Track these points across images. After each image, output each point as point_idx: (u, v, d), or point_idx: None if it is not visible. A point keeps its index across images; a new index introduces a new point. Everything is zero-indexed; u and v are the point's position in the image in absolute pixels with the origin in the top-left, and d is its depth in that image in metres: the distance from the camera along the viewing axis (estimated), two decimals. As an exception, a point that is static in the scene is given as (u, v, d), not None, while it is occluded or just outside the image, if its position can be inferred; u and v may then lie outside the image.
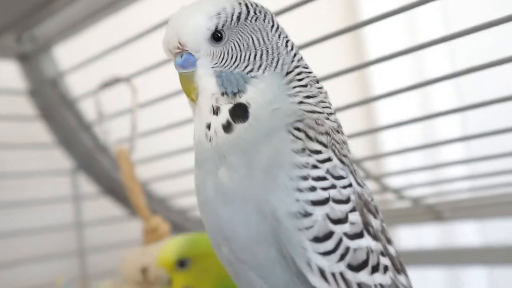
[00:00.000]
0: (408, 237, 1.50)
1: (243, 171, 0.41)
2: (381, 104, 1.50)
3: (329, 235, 0.40)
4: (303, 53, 0.53)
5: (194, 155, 0.46)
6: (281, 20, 0.48)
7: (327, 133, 0.43)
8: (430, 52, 1.45)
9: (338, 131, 0.45)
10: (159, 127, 0.84)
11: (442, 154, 1.42)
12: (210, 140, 0.43)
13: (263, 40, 0.44)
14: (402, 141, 1.43)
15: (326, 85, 0.65)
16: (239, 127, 0.42)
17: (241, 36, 0.44)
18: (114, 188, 0.96)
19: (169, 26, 0.44)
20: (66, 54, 0.91)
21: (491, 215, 1.00)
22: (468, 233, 1.44)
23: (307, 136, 0.41)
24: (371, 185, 0.79)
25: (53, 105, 0.91)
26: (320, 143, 0.41)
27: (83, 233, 0.96)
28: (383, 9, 0.60)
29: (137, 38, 0.76)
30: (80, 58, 0.85)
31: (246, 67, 0.43)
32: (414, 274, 1.28)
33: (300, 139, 0.41)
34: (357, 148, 0.83)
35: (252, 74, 0.43)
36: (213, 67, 0.43)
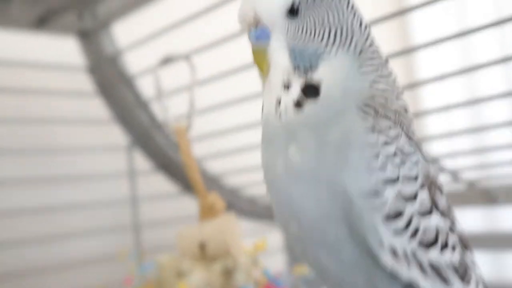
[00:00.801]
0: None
1: (313, 149, 0.41)
2: (427, 88, 1.48)
3: (400, 213, 0.39)
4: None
5: (261, 132, 0.46)
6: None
7: (396, 111, 0.42)
8: (479, 37, 1.42)
9: (406, 110, 0.44)
10: (216, 105, 0.84)
11: (489, 138, 1.40)
12: (280, 116, 0.43)
13: (338, 18, 0.44)
14: (449, 124, 1.42)
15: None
16: (310, 105, 0.42)
17: (317, 12, 0.43)
18: (168, 164, 0.97)
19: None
20: (125, 32, 0.92)
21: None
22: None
23: (377, 113, 0.41)
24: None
25: (111, 81, 0.92)
26: (390, 120, 0.41)
27: (137, 208, 0.98)
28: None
29: (195, 17, 0.76)
30: (139, 35, 0.86)
31: (320, 43, 0.43)
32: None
33: (370, 115, 0.41)
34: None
35: (326, 50, 0.43)
36: (287, 41, 0.43)
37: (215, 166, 1.00)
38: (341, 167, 0.40)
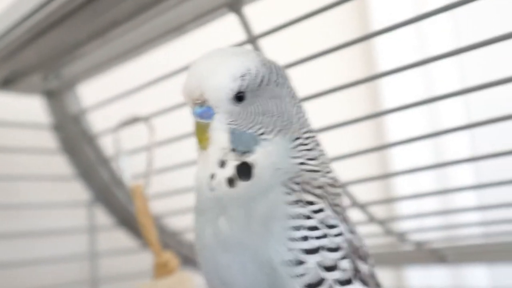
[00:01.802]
0: (416, 278, 1.51)
1: (241, 222, 0.43)
2: (396, 151, 1.53)
3: (320, 282, 0.42)
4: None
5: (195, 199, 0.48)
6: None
7: (320, 187, 0.46)
8: (446, 102, 1.48)
9: (332, 185, 0.48)
10: (174, 165, 0.87)
11: (454, 200, 1.44)
12: (212, 190, 0.45)
13: (280, 106, 0.46)
14: (416, 187, 1.46)
15: (340, 131, 0.68)
16: (241, 184, 0.44)
17: (260, 100, 0.46)
18: (128, 220, 0.99)
19: (192, 74, 0.46)
20: (89, 92, 0.96)
21: (499, 259, 1.02)
22: (477, 277, 1.45)
23: (302, 189, 0.44)
24: (376, 228, 0.83)
25: (75, 139, 0.95)
26: (314, 195, 0.45)
27: (97, 263, 0.99)
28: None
29: (157, 81, 0.80)
30: (103, 96, 0.89)
31: (259, 129, 0.45)
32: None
33: (295, 191, 0.44)
34: (369, 192, 0.87)
35: (264, 137, 0.45)
36: (228, 124, 0.45)
37: (175, 222, 1.02)
38: (266, 238, 0.43)
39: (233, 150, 0.45)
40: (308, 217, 0.43)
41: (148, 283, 0.77)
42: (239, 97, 0.45)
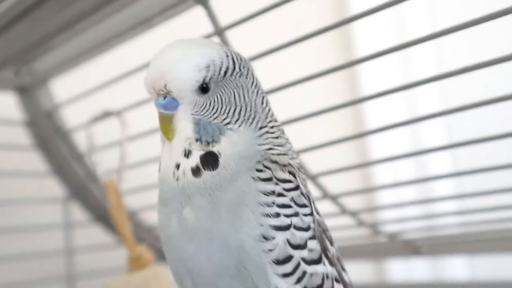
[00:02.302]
0: (397, 270, 1.52)
1: (208, 210, 0.44)
2: (374, 140, 1.54)
3: (288, 258, 0.43)
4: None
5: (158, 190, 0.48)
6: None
7: (291, 165, 0.46)
8: (423, 90, 1.49)
9: (300, 169, 0.48)
10: (147, 159, 0.87)
11: (432, 189, 1.45)
12: (177, 179, 0.45)
13: (244, 97, 0.47)
14: (394, 176, 1.47)
15: (318, 120, 0.69)
16: (207, 173, 0.44)
17: (224, 90, 0.46)
18: (104, 216, 0.99)
19: (155, 65, 0.45)
20: (62, 88, 0.96)
21: (477, 250, 1.03)
22: (457, 268, 1.47)
23: (274, 167, 0.45)
24: (348, 220, 0.83)
25: (48, 135, 0.95)
26: (288, 172, 0.45)
27: (73, 259, 0.99)
28: (377, 47, 0.62)
29: (129, 75, 0.80)
30: (76, 91, 0.89)
31: (224, 119, 0.46)
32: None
33: (268, 168, 0.44)
34: (347, 181, 0.87)
35: (229, 127, 0.45)
36: (193, 114, 0.45)
37: (151, 217, 1.02)
38: (234, 222, 0.43)
39: (198, 140, 0.45)
40: (281, 194, 0.44)
41: (122, 277, 0.77)
42: (203, 88, 0.45)
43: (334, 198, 0.76)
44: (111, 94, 0.89)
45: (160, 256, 0.95)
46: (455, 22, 0.55)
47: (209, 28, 0.67)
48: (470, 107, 0.59)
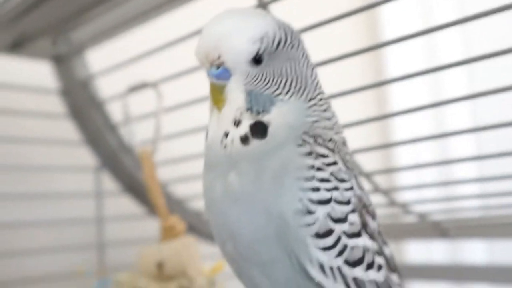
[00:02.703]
0: (417, 252, 1.52)
1: (252, 176, 0.44)
2: (398, 121, 1.54)
3: (329, 232, 0.43)
4: (324, 69, 0.56)
5: (204, 156, 0.49)
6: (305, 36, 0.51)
7: (334, 141, 0.47)
8: (449, 74, 1.48)
9: (343, 144, 0.49)
10: (182, 131, 0.88)
11: (455, 172, 1.45)
12: (225, 147, 0.46)
13: (295, 69, 0.47)
14: (416, 157, 1.47)
15: (343, 100, 0.69)
16: (255, 142, 0.45)
17: (277, 62, 0.46)
18: (134, 187, 1.00)
19: (208, 35, 0.46)
20: (98, 58, 0.96)
21: (499, 235, 1.03)
22: (475, 251, 1.47)
23: (316, 141, 0.45)
24: (379, 198, 0.83)
25: (82, 105, 0.96)
26: (327, 148, 0.46)
27: (103, 228, 1.01)
28: (404, 31, 0.62)
29: (166, 47, 0.80)
30: (111, 62, 0.90)
31: (275, 91, 0.46)
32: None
33: (308, 143, 0.45)
34: (370, 162, 0.87)
35: (279, 98, 0.46)
36: (245, 85, 0.46)
37: (181, 190, 1.03)
38: (276, 190, 0.44)
39: (249, 110, 0.46)
40: (320, 169, 0.44)
41: (155, 246, 0.78)
42: (257, 60, 0.46)
43: (368, 176, 0.76)
44: (146, 67, 0.90)
45: (190, 228, 0.96)
46: (482, 8, 0.55)
47: (252, 0, 0.67)
48: (496, 91, 0.59)
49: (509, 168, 0.76)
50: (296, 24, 0.68)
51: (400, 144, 1.05)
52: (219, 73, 0.46)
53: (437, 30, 0.58)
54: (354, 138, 0.83)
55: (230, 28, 0.45)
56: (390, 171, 1.05)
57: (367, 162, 0.83)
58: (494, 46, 0.58)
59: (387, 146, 1.15)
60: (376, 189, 0.79)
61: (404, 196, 1.12)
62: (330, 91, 0.70)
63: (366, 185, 0.79)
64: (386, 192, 0.80)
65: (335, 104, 0.71)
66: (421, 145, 1.43)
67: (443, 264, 1.37)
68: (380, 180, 0.85)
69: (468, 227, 0.97)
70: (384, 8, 1.56)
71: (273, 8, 0.67)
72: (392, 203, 0.83)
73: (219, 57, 0.45)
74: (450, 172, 1.47)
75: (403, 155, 1.53)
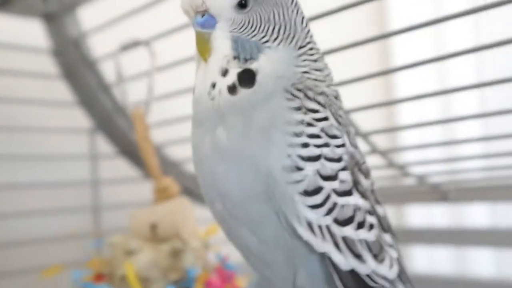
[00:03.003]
0: (418, 215, 1.52)
1: (240, 130, 0.43)
2: (401, 79, 1.51)
3: (318, 190, 0.42)
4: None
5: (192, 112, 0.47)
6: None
7: (325, 94, 0.45)
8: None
9: (336, 97, 0.47)
10: (176, 91, 0.86)
11: (458, 132, 1.43)
12: (212, 99, 0.44)
13: (283, 15, 0.45)
14: (419, 117, 1.45)
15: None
16: (243, 91, 0.43)
17: (263, 7, 0.45)
18: (129, 149, 0.99)
19: None
20: (89, 16, 0.94)
21: (502, 198, 1.01)
22: (477, 215, 1.46)
23: (306, 95, 0.43)
24: (377, 159, 0.82)
25: (75, 65, 0.94)
26: (318, 103, 0.44)
27: (98, 191, 1.00)
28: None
29: (157, 3, 0.78)
30: (103, 20, 0.87)
31: (263, 37, 0.45)
32: (423, 252, 1.28)
33: (297, 97, 0.43)
34: (373, 121, 0.85)
35: (267, 45, 0.44)
36: (231, 32, 0.44)
37: (176, 152, 1.02)
38: (265, 146, 0.42)
39: (236, 58, 0.44)
40: (310, 124, 0.42)
41: (148, 208, 0.77)
42: (242, 4, 0.44)
43: (365, 136, 0.74)
44: (140, 24, 0.87)
45: (185, 191, 0.95)
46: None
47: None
48: (502, 43, 0.57)
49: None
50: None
51: (401, 102, 1.03)
52: (204, 20, 0.44)
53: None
54: (356, 96, 0.82)
55: None
56: (388, 130, 1.03)
57: (368, 122, 0.81)
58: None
59: (388, 103, 1.13)
60: (374, 149, 0.77)
61: (404, 158, 1.10)
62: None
63: (363, 145, 0.77)
64: (384, 153, 0.79)
65: (337, 59, 0.70)
66: (424, 105, 1.40)
67: (444, 228, 1.37)
68: (382, 141, 0.83)
69: (470, 190, 0.95)
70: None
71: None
72: (390, 164, 0.81)
73: (202, 3, 0.44)
74: (453, 133, 1.44)
75: (406, 117, 1.51)
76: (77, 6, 0.91)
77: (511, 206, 1.24)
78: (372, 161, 0.81)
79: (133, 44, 0.83)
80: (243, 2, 0.44)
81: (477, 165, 0.99)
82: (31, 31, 0.95)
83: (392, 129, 1.27)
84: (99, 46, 0.94)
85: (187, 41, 0.81)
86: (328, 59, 0.67)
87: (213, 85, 0.44)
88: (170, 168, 1.01)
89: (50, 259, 0.89)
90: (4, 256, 0.91)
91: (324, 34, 0.58)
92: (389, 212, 1.45)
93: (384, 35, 0.66)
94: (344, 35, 0.77)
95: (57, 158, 0.99)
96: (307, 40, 0.47)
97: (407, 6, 1.52)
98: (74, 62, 0.93)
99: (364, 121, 0.79)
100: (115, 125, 0.97)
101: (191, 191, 0.99)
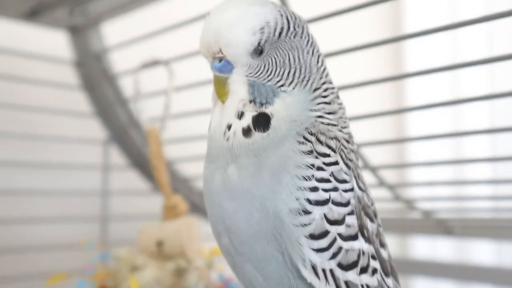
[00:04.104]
0: (423, 247, 1.52)
1: (252, 171, 0.44)
2: (414, 117, 1.52)
3: (324, 233, 0.43)
4: (343, 58, 0.54)
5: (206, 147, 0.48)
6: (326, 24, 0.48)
7: (336, 138, 0.45)
8: (469, 71, 1.46)
9: (348, 141, 0.47)
10: (191, 111, 0.88)
11: (469, 172, 1.43)
12: (227, 139, 0.45)
13: (298, 58, 0.46)
14: (431, 154, 1.45)
15: (361, 91, 0.68)
16: (257, 134, 0.44)
17: (279, 52, 0.45)
18: (142, 162, 1.01)
19: (209, 28, 0.45)
20: (113, 31, 0.96)
21: (506, 236, 1.01)
22: (483, 251, 1.46)
23: (318, 140, 0.44)
24: (385, 193, 0.83)
25: (95, 77, 0.96)
26: (329, 147, 0.44)
27: (108, 201, 1.01)
28: (426, 23, 0.61)
29: (180, 25, 0.80)
30: (126, 36, 0.89)
31: (278, 81, 0.45)
32: (426, 284, 1.28)
33: (309, 141, 0.44)
34: (383, 154, 0.86)
35: (283, 89, 0.45)
36: (247, 76, 0.45)
37: (187, 169, 1.03)
38: (274, 187, 0.43)
39: (252, 101, 0.45)
40: (320, 169, 0.43)
41: (156, 224, 0.79)
42: (258, 50, 0.45)
43: (373, 170, 0.76)
44: (161, 44, 0.89)
45: (193, 207, 0.97)
46: (508, 7, 0.53)
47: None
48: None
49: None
50: (313, 12, 0.67)
51: (412, 140, 1.04)
52: (221, 66, 0.45)
53: (461, 26, 0.57)
54: (369, 132, 0.83)
55: (229, 20, 0.44)
56: (397, 166, 1.04)
57: (379, 156, 0.82)
58: None
59: (398, 141, 1.14)
60: (382, 183, 0.78)
61: (413, 193, 1.11)
62: (349, 81, 0.69)
63: (372, 179, 0.79)
64: (391, 187, 0.80)
65: (352, 94, 0.71)
66: (436, 144, 1.41)
67: (449, 261, 1.37)
68: (392, 176, 0.84)
69: (474, 227, 0.96)
70: (409, 0, 1.54)
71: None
72: (397, 198, 0.82)
73: (220, 51, 0.45)
74: (463, 173, 1.45)
75: (418, 154, 1.51)
76: (102, 21, 0.93)
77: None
78: (380, 193, 0.83)
79: (153, 63, 0.85)
80: (259, 48, 0.45)
81: (486, 205, 1.00)
82: (56, 42, 0.97)
83: (400, 165, 1.28)
84: (120, 61, 0.96)
85: (205, 64, 0.84)
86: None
87: (229, 127, 0.45)
88: (180, 183, 1.02)
89: (58, 265, 0.91)
90: (13, 261, 0.93)
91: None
92: (394, 243, 1.47)
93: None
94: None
95: (70, 167, 1.01)
96: (322, 80, 0.47)
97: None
98: (95, 75, 0.96)
99: (374, 152, 0.80)
100: (129, 138, 0.99)
101: (199, 207, 1.01)
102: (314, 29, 0.67)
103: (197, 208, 1.00)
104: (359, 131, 0.82)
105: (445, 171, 1.43)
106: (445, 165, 1.32)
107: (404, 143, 1.53)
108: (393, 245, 1.53)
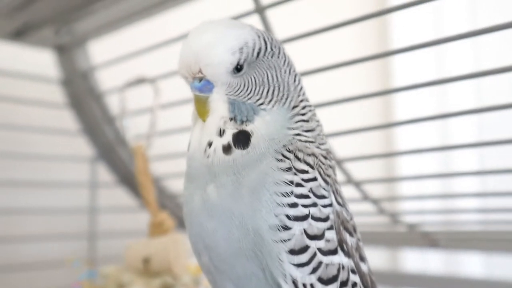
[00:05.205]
0: (411, 260, 1.52)
1: (231, 189, 0.44)
2: (402, 132, 1.53)
3: (304, 248, 0.43)
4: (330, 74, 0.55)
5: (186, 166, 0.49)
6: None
7: (314, 155, 0.46)
8: (456, 86, 1.47)
9: (325, 157, 0.48)
10: (177, 128, 0.89)
11: (456, 185, 1.45)
12: (207, 156, 0.46)
13: (277, 77, 0.47)
14: (419, 168, 1.46)
15: (348, 106, 0.69)
16: (237, 151, 0.45)
17: (258, 71, 0.47)
18: (129, 179, 1.01)
19: (188, 49, 0.46)
20: (99, 50, 0.97)
21: (492, 248, 1.02)
22: (472, 264, 1.47)
23: (296, 156, 0.45)
24: (371, 207, 0.84)
25: (82, 96, 0.97)
26: (307, 164, 0.45)
27: (95, 218, 1.02)
28: (413, 39, 0.62)
29: (166, 44, 0.81)
30: (112, 55, 0.90)
31: (258, 100, 0.46)
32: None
33: (288, 158, 0.45)
34: (372, 170, 0.87)
35: (262, 107, 0.46)
36: (227, 95, 0.46)
37: (174, 185, 1.04)
38: (254, 205, 0.43)
39: (233, 119, 0.46)
40: (299, 185, 0.44)
41: (142, 241, 0.79)
42: (237, 69, 0.46)
43: (357, 184, 0.77)
44: (147, 62, 0.90)
45: (181, 223, 0.97)
46: (494, 21, 0.54)
47: (249, 5, 0.67)
48: (503, 107, 0.59)
49: (510, 185, 0.76)
50: (295, 29, 0.69)
51: (399, 154, 1.05)
52: (201, 85, 0.46)
53: (447, 42, 0.58)
54: (356, 145, 0.84)
55: (209, 40, 0.45)
56: (381, 180, 1.05)
57: (367, 170, 0.83)
58: (505, 60, 0.58)
59: (384, 155, 1.15)
60: (365, 197, 0.79)
61: (401, 206, 1.12)
62: (336, 96, 0.70)
63: (355, 194, 0.80)
64: (375, 201, 0.81)
65: (340, 109, 0.72)
66: (424, 158, 1.42)
67: (439, 274, 1.38)
68: (379, 188, 0.85)
69: (461, 239, 0.97)
70: (395, 16, 1.56)
71: (271, 13, 0.67)
72: (381, 212, 0.83)
73: (200, 71, 0.45)
74: (451, 186, 1.46)
75: (406, 167, 1.53)
76: (88, 40, 0.94)
77: (505, 257, 1.25)
78: (364, 208, 0.84)
79: (139, 81, 0.85)
80: (238, 67, 0.46)
81: (473, 218, 1.01)
82: (42, 61, 0.98)
83: (385, 180, 1.29)
84: (107, 79, 0.97)
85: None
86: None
87: (209, 144, 0.46)
88: (167, 199, 1.03)
89: (46, 283, 0.91)
90: (0, 279, 0.93)
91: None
92: (384, 256, 1.47)
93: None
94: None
95: (58, 184, 1.01)
96: (300, 98, 0.48)
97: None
98: (82, 93, 0.96)
99: (363, 167, 0.81)
100: (116, 155, 1.00)
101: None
102: (302, 46, 0.68)
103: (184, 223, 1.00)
104: (348, 146, 0.83)
105: (431, 184, 1.45)
106: (431, 178, 1.33)
107: (393, 157, 1.55)
108: (383, 259, 1.54)
